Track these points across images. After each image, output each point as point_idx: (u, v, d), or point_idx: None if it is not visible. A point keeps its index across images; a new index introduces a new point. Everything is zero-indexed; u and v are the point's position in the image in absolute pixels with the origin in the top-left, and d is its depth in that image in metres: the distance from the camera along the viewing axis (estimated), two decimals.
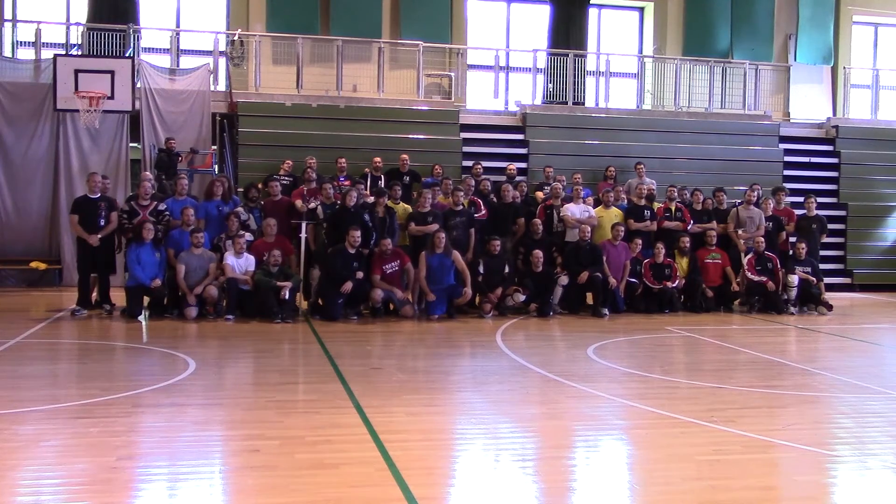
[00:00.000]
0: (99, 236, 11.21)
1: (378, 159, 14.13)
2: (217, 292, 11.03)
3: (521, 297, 11.88)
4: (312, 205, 11.92)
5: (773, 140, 18.05)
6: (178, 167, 13.93)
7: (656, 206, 13.50)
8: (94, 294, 11.64)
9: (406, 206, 12.59)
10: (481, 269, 11.76)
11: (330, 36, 16.82)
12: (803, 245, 13.20)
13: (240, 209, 11.74)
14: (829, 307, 13.01)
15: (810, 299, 13.04)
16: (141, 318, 10.94)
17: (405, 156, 14.38)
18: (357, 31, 16.92)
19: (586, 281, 11.96)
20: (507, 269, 11.90)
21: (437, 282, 11.46)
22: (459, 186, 12.86)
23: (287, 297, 10.96)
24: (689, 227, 13.16)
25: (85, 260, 11.38)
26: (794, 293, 12.86)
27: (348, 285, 10.98)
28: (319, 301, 11.49)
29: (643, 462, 5.50)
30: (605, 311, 11.97)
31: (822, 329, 11.63)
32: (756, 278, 12.74)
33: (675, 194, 13.43)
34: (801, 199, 14.82)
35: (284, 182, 13.00)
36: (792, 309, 12.84)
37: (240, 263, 11.05)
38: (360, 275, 11.07)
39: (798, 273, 12.88)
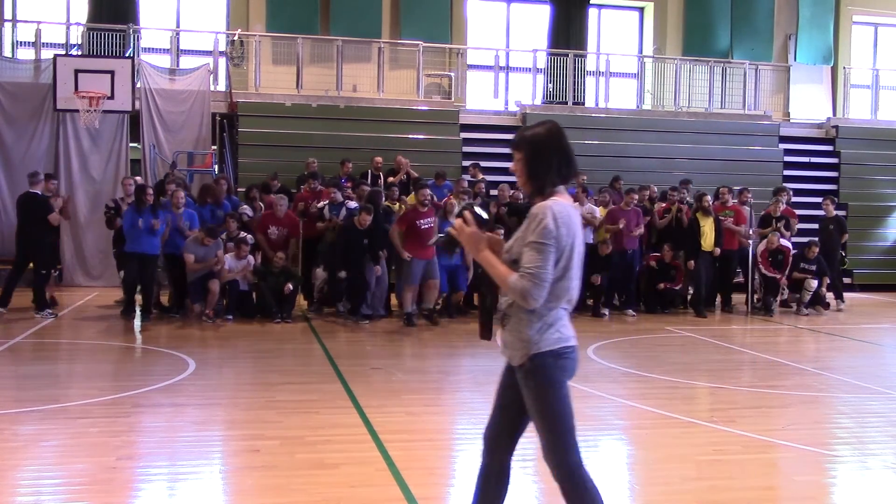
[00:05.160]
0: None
1: (379, 159, 14.11)
2: (218, 288, 10.97)
3: None
4: (320, 204, 11.87)
5: (773, 140, 18.05)
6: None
7: (657, 206, 13.45)
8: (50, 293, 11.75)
9: (409, 200, 12.42)
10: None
11: (330, 36, 16.82)
12: (815, 247, 13.16)
13: (246, 207, 11.83)
14: (826, 306, 13.07)
15: (815, 300, 13.03)
16: (137, 319, 10.91)
17: (404, 159, 14.30)
18: (357, 31, 16.92)
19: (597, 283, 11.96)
20: None
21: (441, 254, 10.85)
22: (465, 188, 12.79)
23: (288, 293, 10.95)
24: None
25: (28, 256, 11.36)
26: (808, 297, 12.92)
27: (378, 270, 10.80)
28: (315, 295, 11.43)
29: (643, 462, 5.50)
30: (606, 311, 12.03)
31: (822, 329, 11.63)
32: (770, 273, 12.65)
33: (677, 197, 13.29)
34: (807, 200, 14.79)
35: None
36: (805, 310, 12.87)
37: (240, 265, 11.05)
38: (378, 270, 10.85)
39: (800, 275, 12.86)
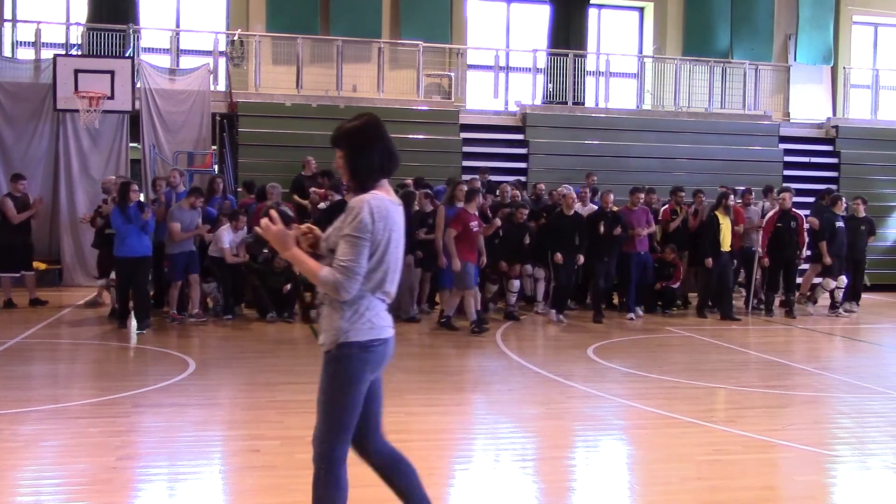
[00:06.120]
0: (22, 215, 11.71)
1: None
2: (198, 281, 10.86)
3: (517, 285, 11.72)
4: (322, 205, 11.82)
5: (773, 140, 18.05)
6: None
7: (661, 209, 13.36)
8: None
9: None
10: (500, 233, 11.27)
11: (330, 36, 16.81)
12: (842, 202, 13.26)
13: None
14: (815, 301, 13.10)
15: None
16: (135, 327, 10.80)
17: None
18: (357, 31, 16.91)
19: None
20: (527, 240, 11.57)
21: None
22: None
23: (287, 293, 10.93)
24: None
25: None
26: (820, 294, 12.86)
27: None
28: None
29: (643, 462, 5.50)
30: (632, 315, 11.89)
31: (822, 329, 11.63)
32: (764, 257, 12.34)
33: (683, 199, 13.06)
34: (808, 200, 14.70)
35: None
36: (810, 309, 12.87)
37: (238, 237, 10.91)
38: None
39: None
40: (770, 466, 5.41)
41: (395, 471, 3.63)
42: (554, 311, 11.56)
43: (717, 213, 12.28)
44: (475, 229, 10.48)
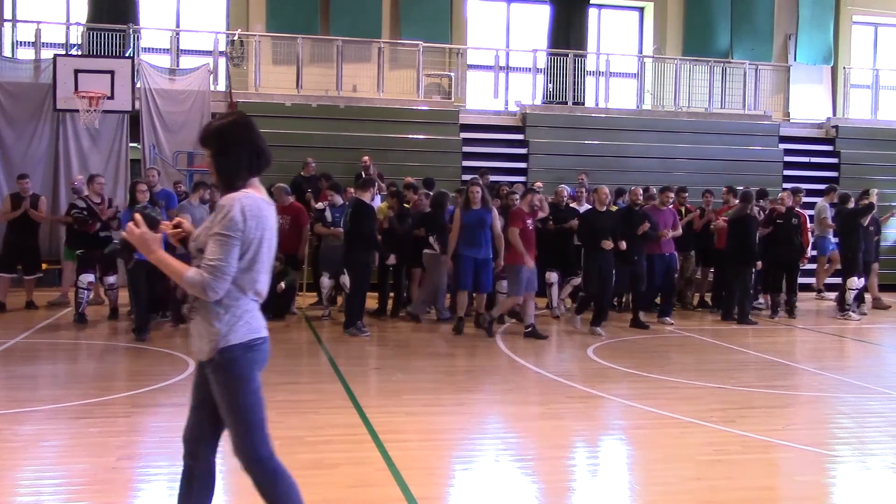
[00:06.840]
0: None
1: (366, 158, 14.00)
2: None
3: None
4: (320, 206, 11.78)
5: (773, 140, 18.06)
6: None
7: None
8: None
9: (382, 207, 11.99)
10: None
11: (330, 36, 16.82)
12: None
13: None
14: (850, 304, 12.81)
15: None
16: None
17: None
18: (357, 31, 16.93)
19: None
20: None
21: (476, 243, 10.25)
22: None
23: (282, 292, 10.86)
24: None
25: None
26: (852, 296, 12.54)
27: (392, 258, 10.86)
28: (325, 303, 11.34)
29: (643, 462, 5.50)
30: (667, 318, 11.40)
31: (822, 329, 11.63)
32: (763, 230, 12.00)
33: (686, 199, 13.00)
34: (807, 200, 14.66)
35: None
36: (841, 314, 12.54)
37: None
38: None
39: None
40: (770, 466, 5.41)
41: (200, 489, 3.51)
42: (596, 326, 10.49)
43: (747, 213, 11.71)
44: (531, 228, 10.22)
